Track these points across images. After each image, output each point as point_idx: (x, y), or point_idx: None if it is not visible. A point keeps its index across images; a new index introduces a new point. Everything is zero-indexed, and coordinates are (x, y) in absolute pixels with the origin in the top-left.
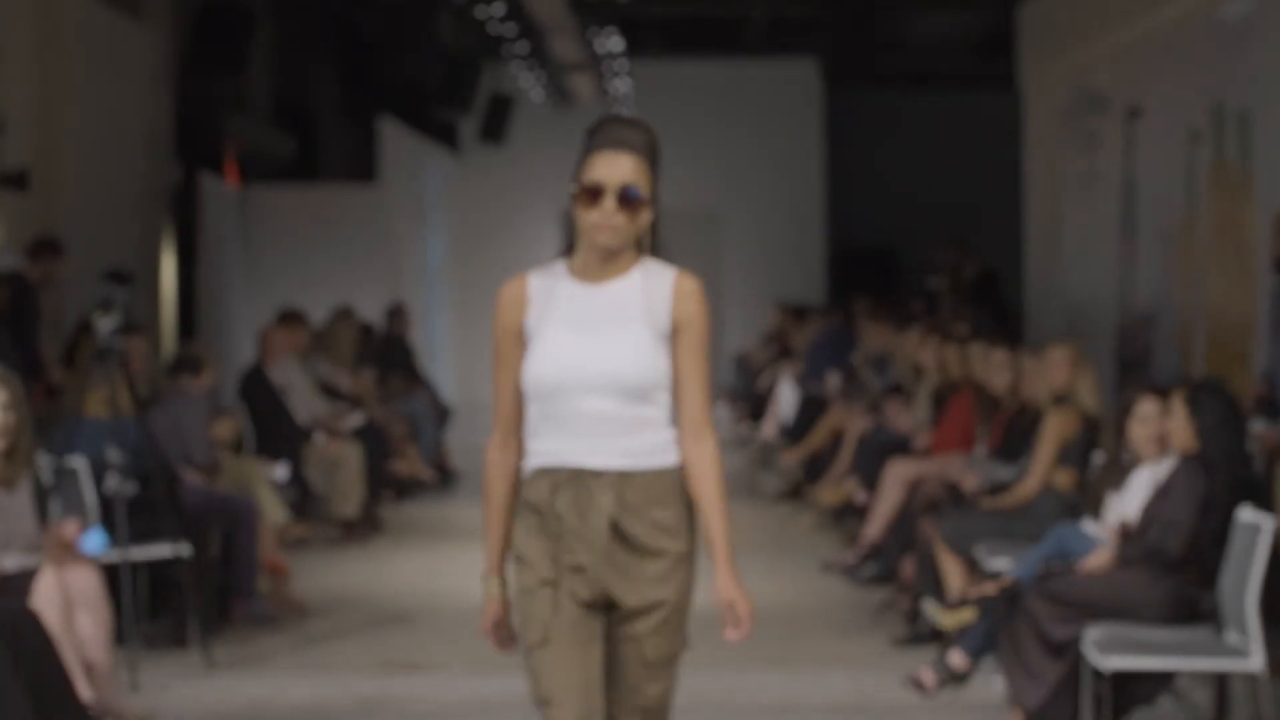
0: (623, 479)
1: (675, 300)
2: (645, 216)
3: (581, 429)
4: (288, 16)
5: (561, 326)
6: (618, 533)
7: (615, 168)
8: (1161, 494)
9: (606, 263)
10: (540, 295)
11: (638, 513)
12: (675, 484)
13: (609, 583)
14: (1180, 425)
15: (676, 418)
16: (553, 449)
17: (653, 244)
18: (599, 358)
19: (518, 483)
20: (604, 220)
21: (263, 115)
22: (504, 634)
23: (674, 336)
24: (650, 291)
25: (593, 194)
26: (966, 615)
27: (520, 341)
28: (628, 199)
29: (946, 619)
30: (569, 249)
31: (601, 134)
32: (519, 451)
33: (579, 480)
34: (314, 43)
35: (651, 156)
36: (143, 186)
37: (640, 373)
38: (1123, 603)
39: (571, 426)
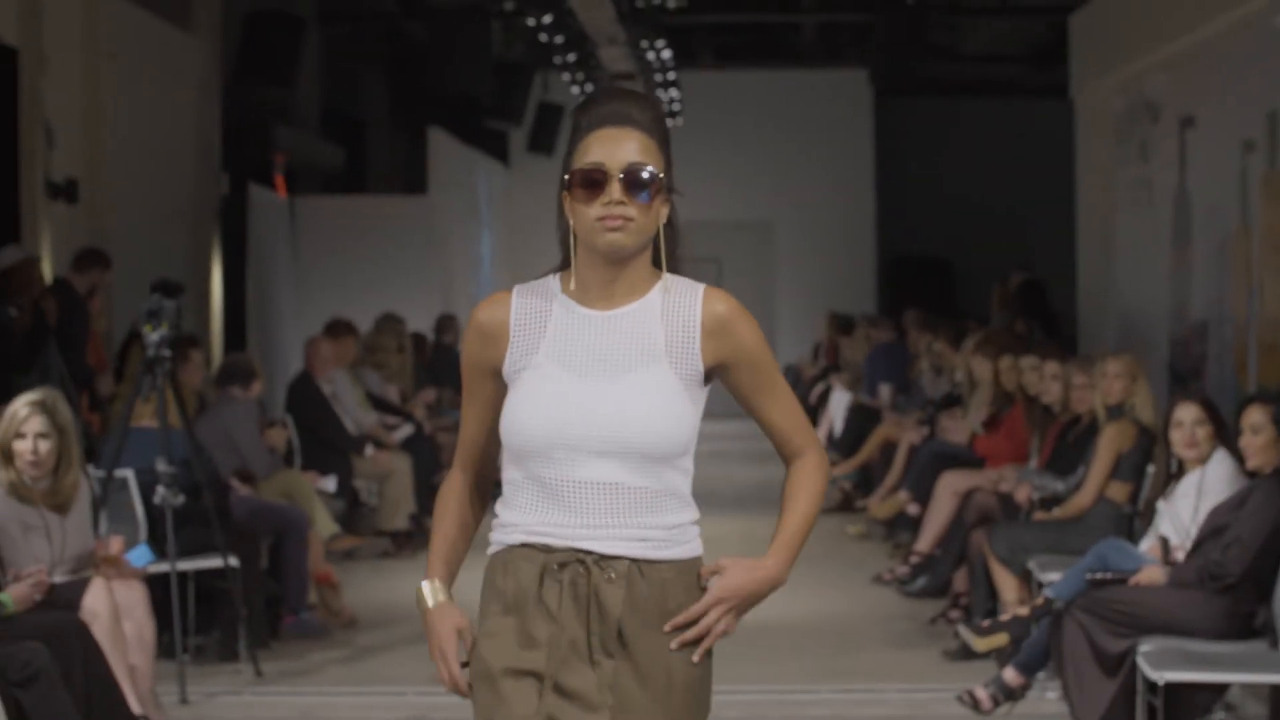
0: (636, 570)
1: (707, 335)
2: (661, 209)
3: (581, 502)
4: (336, 27)
5: (555, 367)
6: (621, 643)
7: (618, 147)
8: (1231, 508)
9: (615, 278)
10: (526, 322)
11: (648, 619)
12: (695, 583)
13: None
14: (1266, 442)
15: (778, 450)
16: (541, 522)
17: (668, 252)
18: (606, 411)
19: (471, 519)
20: (609, 211)
21: (311, 126)
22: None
23: (723, 373)
24: (674, 320)
25: (590, 182)
26: (1000, 640)
27: (497, 379)
28: (638, 183)
29: (980, 643)
30: (565, 264)
31: (596, 110)
32: (484, 486)
33: (578, 568)
34: (362, 53)
35: (662, 136)
36: (191, 197)
37: (663, 431)
38: (1176, 618)
39: (567, 497)
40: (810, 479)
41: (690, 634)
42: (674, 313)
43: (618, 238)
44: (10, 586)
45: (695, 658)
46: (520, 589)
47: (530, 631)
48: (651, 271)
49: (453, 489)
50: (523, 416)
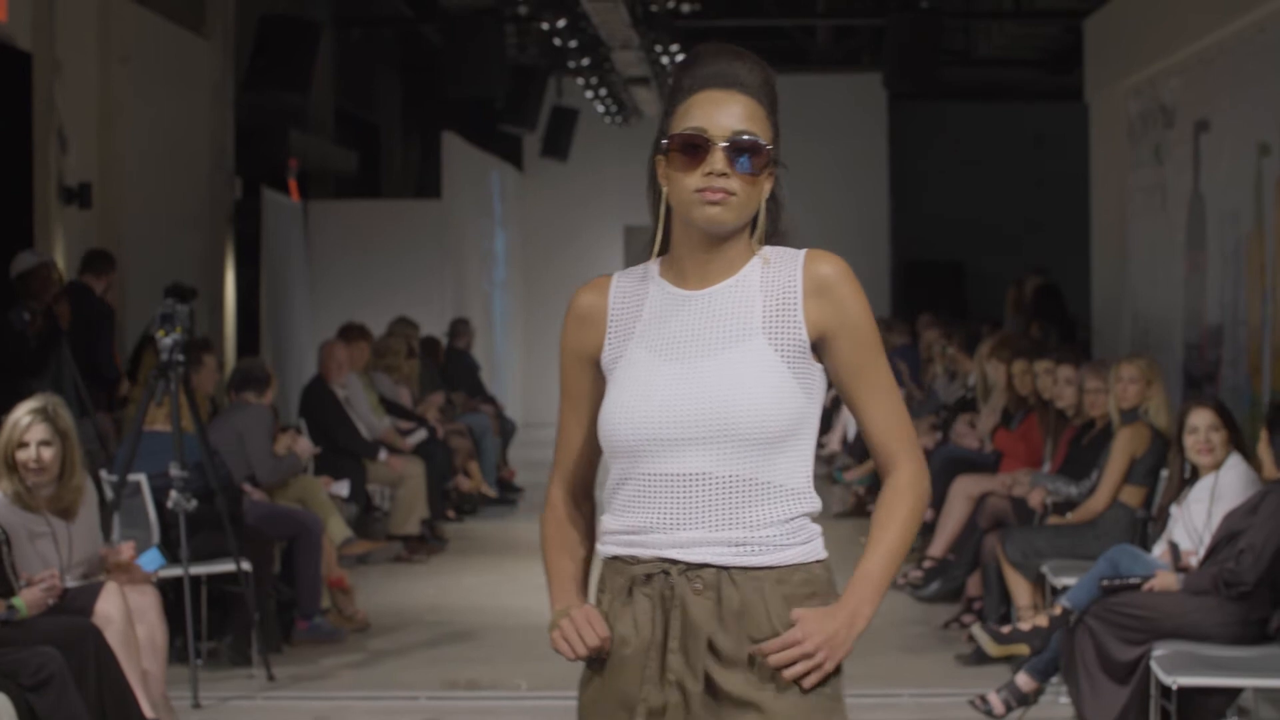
0: (724, 580)
1: (810, 295)
2: (765, 184)
3: (669, 498)
4: (350, 31)
5: (645, 353)
6: (712, 666)
7: (723, 111)
8: (1244, 514)
9: (711, 255)
10: (624, 307)
11: (738, 638)
12: (805, 591)
13: None
14: (1265, 448)
15: (874, 454)
16: (629, 528)
17: (769, 231)
18: (690, 394)
19: (589, 532)
20: (709, 183)
21: (325, 130)
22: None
23: (825, 347)
24: (773, 290)
25: (691, 149)
26: (1019, 649)
27: (595, 371)
28: (743, 153)
29: (996, 649)
30: (661, 243)
31: (700, 69)
32: (588, 504)
33: (664, 579)
34: (376, 57)
35: (771, 101)
36: (205, 202)
37: (755, 410)
38: (1190, 623)
39: (654, 494)
40: (902, 504)
41: (789, 673)
42: (773, 281)
43: (717, 212)
44: (23, 591)
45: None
46: (612, 605)
47: (619, 649)
48: (751, 248)
49: (554, 515)
50: (609, 411)
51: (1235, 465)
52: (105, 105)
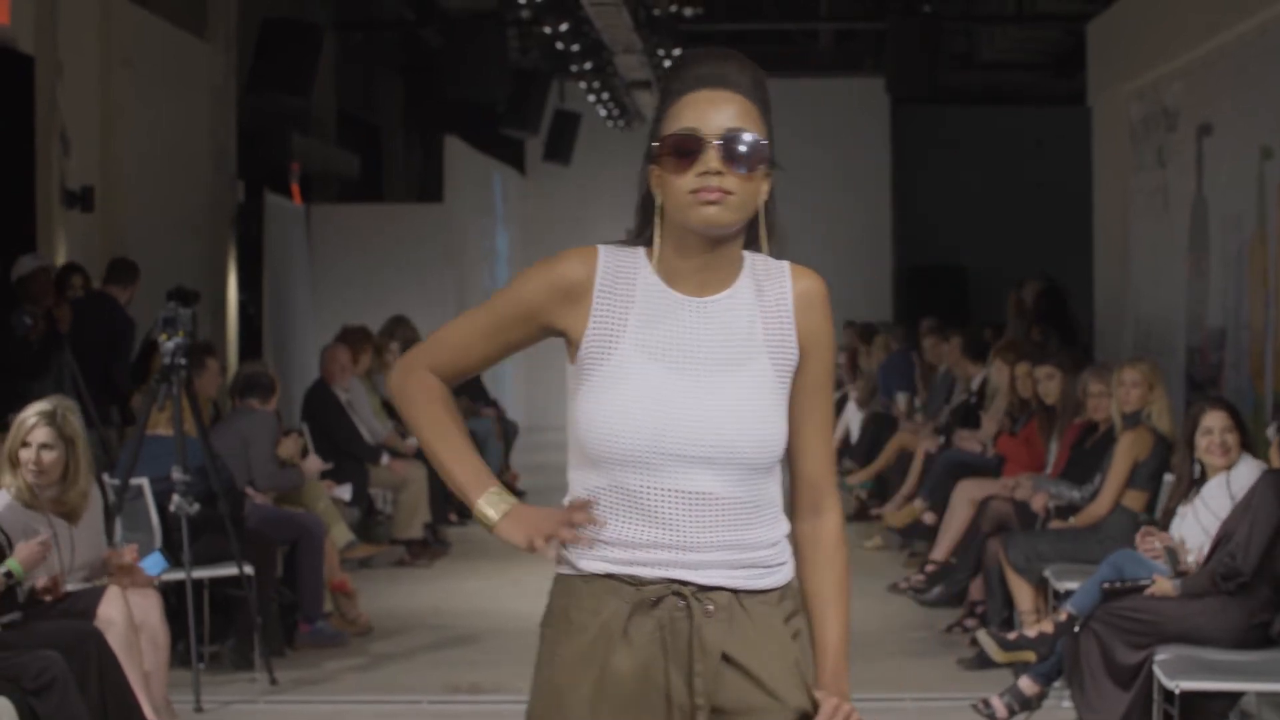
0: (734, 603)
1: (797, 311)
2: (762, 184)
3: (675, 515)
4: (352, 35)
5: (646, 360)
6: (722, 684)
7: (715, 111)
8: (1239, 511)
9: (707, 261)
10: (612, 294)
11: (748, 658)
12: (800, 604)
13: None
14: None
15: (790, 476)
16: (627, 542)
17: (768, 233)
18: (709, 414)
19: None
20: (704, 183)
21: (327, 133)
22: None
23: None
24: (768, 305)
25: (683, 149)
26: (1025, 655)
27: (534, 333)
28: (738, 151)
29: (1001, 654)
30: (643, 236)
31: (690, 71)
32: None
33: (676, 601)
34: (378, 61)
35: (764, 102)
36: (207, 205)
37: (768, 436)
38: (1194, 627)
39: (658, 510)
40: (837, 557)
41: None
42: (767, 295)
43: (714, 212)
44: (16, 550)
45: None
46: (603, 629)
47: (614, 678)
48: (740, 253)
49: (433, 390)
50: (609, 414)
51: (1249, 464)
52: (107, 108)
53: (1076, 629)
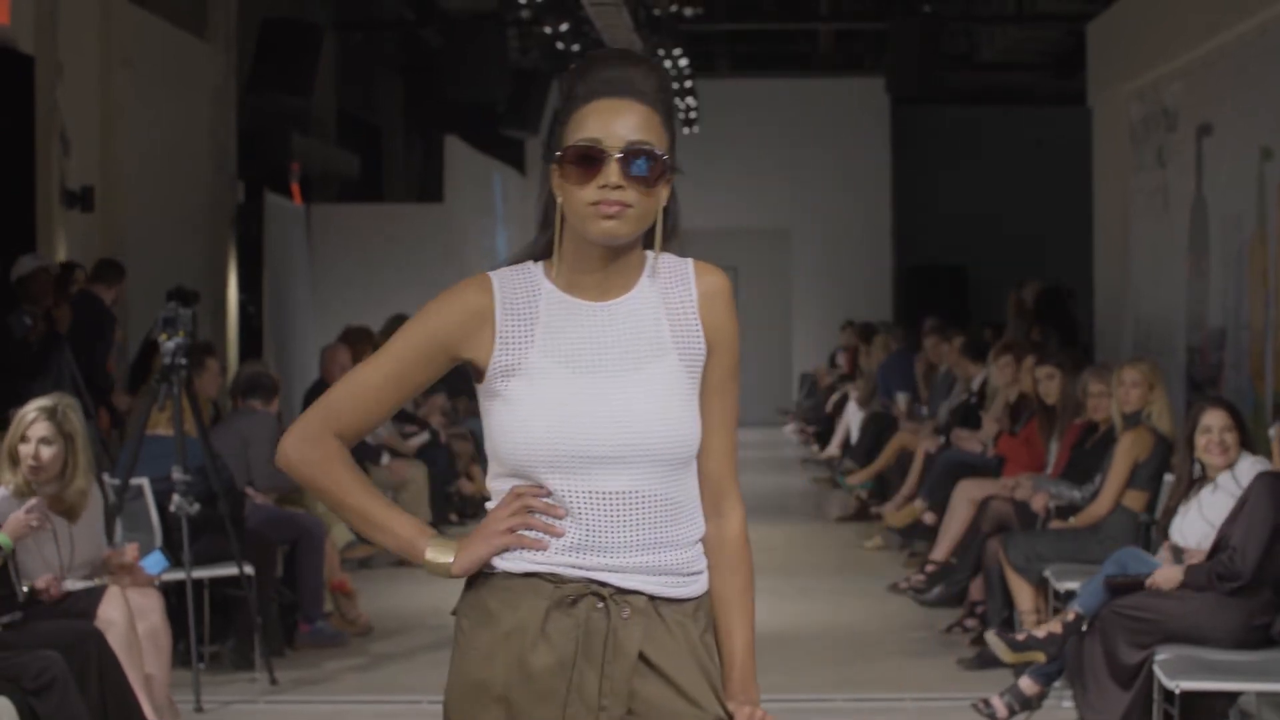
0: (651, 611)
1: (701, 306)
2: (662, 192)
3: (595, 515)
4: (352, 35)
5: (554, 365)
6: (634, 692)
7: (618, 121)
8: (1235, 514)
9: (608, 266)
10: (513, 312)
11: (666, 663)
12: (707, 622)
13: None
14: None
15: (701, 478)
16: (551, 543)
17: (664, 237)
18: (622, 412)
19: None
20: (605, 196)
21: (327, 133)
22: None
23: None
24: (672, 302)
25: (585, 161)
26: (1035, 656)
27: (441, 367)
28: (639, 165)
29: (1010, 655)
30: (545, 249)
31: (593, 76)
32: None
33: (595, 602)
34: (378, 61)
35: (667, 108)
36: (207, 205)
37: (683, 431)
38: (1193, 625)
39: (582, 514)
40: (748, 571)
41: None
42: (671, 293)
43: (613, 226)
44: (5, 525)
45: None
46: (520, 624)
47: (528, 674)
48: (644, 258)
49: (341, 454)
50: (524, 424)
51: (1249, 462)
52: (107, 109)
53: (1084, 629)
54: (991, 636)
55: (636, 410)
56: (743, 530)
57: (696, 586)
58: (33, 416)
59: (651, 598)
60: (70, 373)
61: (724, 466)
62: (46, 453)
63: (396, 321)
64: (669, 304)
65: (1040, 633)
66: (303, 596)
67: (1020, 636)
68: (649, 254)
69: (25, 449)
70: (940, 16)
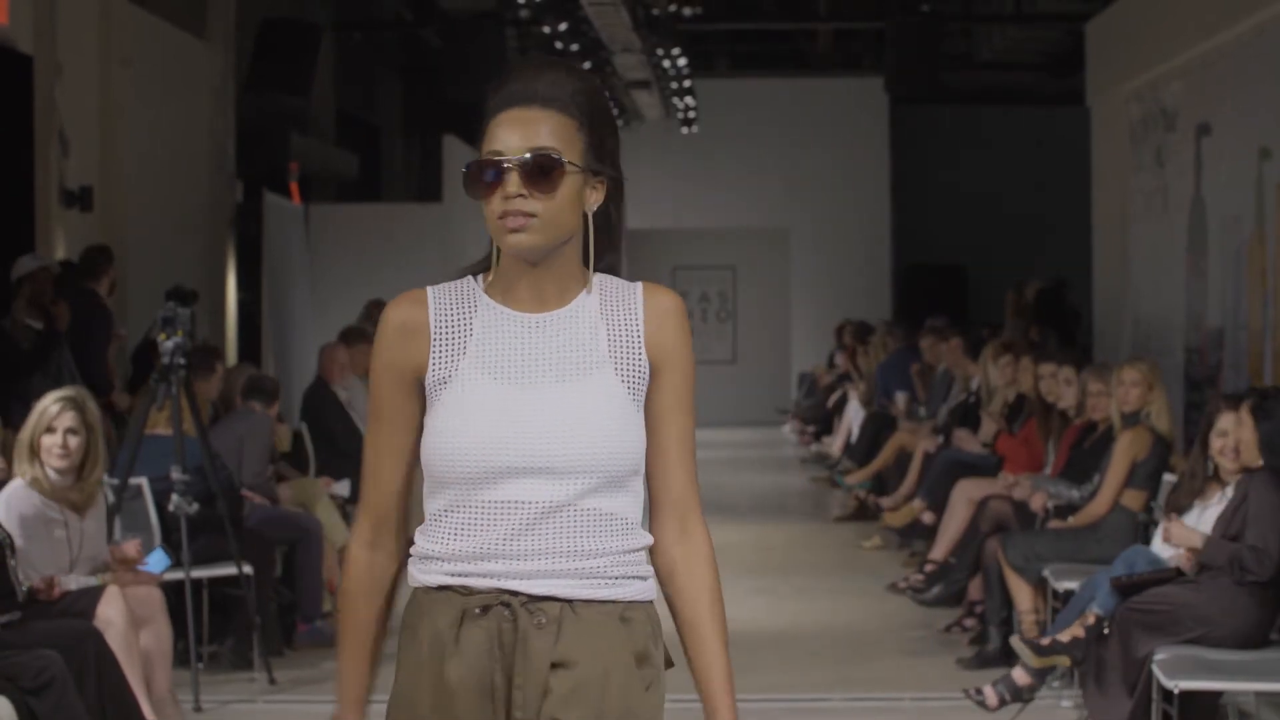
0: (568, 615)
1: (649, 325)
2: (588, 196)
3: (512, 527)
4: (351, 34)
5: (483, 376)
6: (553, 698)
7: (521, 130)
8: (1234, 512)
9: (541, 278)
10: (448, 324)
11: (581, 677)
12: (648, 630)
13: None
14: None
15: (652, 499)
16: (463, 555)
17: (597, 248)
18: (547, 424)
19: (392, 600)
20: (507, 207)
21: (326, 133)
22: None
23: (653, 380)
24: (614, 318)
25: (487, 173)
26: (1060, 660)
27: (414, 392)
28: (538, 173)
29: (1036, 661)
30: (484, 263)
31: (505, 87)
32: (399, 555)
33: (503, 611)
34: (377, 60)
35: (589, 113)
36: (206, 205)
37: (613, 445)
38: (1204, 616)
39: (496, 522)
40: (708, 585)
41: None
42: (613, 310)
43: (519, 239)
44: None
45: None
46: (436, 637)
47: (447, 688)
48: (584, 271)
49: (364, 566)
50: (449, 435)
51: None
52: (106, 108)
53: (1105, 630)
54: (1017, 641)
55: (567, 425)
56: (708, 551)
57: (627, 590)
58: (58, 407)
59: (570, 601)
60: (69, 371)
61: (685, 490)
62: (74, 442)
63: (375, 307)
64: (610, 318)
65: (1065, 637)
66: (301, 596)
67: (1046, 641)
68: (600, 277)
69: (50, 439)
70: (939, 16)
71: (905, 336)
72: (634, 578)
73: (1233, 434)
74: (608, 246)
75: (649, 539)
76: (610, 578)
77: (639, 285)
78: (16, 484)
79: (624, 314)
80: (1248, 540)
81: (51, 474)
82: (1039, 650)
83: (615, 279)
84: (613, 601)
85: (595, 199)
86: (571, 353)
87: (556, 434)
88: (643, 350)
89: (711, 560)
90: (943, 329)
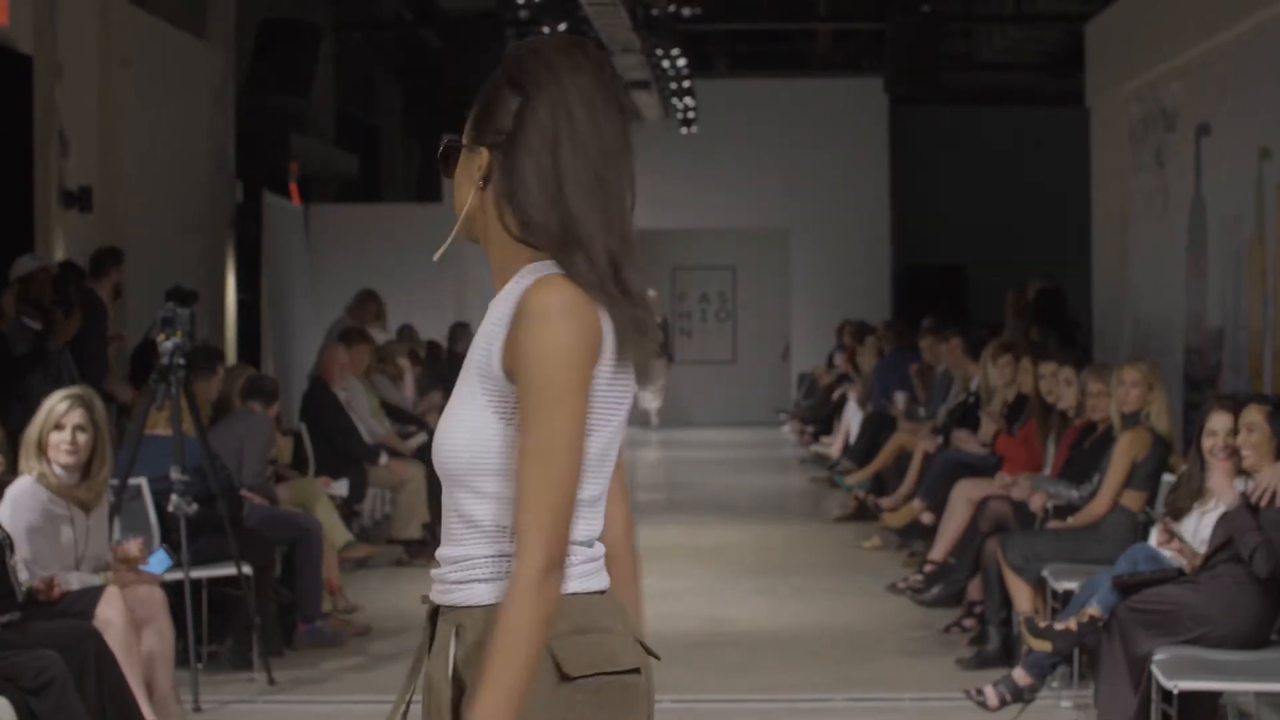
0: (455, 620)
1: (514, 322)
2: (463, 176)
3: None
4: (350, 35)
5: None
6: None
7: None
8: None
9: (492, 265)
10: None
11: (433, 677)
12: (476, 638)
13: None
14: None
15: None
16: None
17: (521, 219)
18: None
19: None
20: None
21: (326, 133)
22: None
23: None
24: (495, 311)
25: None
26: (1043, 645)
27: None
28: (442, 162)
29: (1029, 641)
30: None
31: None
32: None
33: (430, 620)
34: (377, 61)
35: (492, 84)
36: (206, 205)
37: (451, 446)
38: (1205, 615)
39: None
40: (501, 640)
41: None
42: (500, 305)
43: (462, 234)
44: None
45: None
46: (421, 642)
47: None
48: (526, 255)
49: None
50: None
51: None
52: (106, 108)
53: (1104, 627)
54: (1026, 620)
55: (441, 427)
56: (517, 594)
57: (456, 596)
58: (65, 405)
59: (450, 608)
60: (69, 371)
61: (518, 507)
62: (82, 439)
63: (365, 297)
64: (490, 316)
65: (1059, 626)
66: (300, 596)
67: (1043, 624)
68: (535, 265)
69: (59, 436)
70: (939, 16)
71: (897, 338)
72: (465, 583)
73: (1242, 436)
74: (527, 221)
75: (493, 549)
76: (448, 581)
77: (531, 279)
78: (25, 480)
79: (501, 309)
80: (1267, 533)
81: (59, 470)
82: (1034, 631)
83: (539, 267)
84: (450, 607)
85: (480, 167)
86: (475, 348)
87: (438, 435)
88: (498, 351)
89: (513, 600)
90: (941, 329)
